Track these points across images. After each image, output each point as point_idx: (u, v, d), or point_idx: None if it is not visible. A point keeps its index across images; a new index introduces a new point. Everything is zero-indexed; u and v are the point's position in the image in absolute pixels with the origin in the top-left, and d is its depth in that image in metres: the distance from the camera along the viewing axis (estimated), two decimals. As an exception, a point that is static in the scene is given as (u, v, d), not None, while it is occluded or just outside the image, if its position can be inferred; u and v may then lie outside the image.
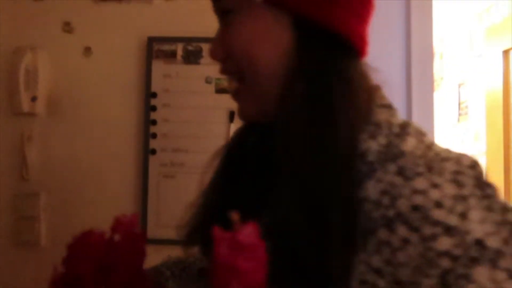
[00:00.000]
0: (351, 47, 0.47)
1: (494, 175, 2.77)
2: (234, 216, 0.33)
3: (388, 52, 1.35)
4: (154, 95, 1.35)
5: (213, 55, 0.51)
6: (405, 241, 0.39)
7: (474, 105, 3.20)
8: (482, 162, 2.94)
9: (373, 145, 0.44)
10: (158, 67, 1.36)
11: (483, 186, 0.39)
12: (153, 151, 1.34)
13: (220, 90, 1.37)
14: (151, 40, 1.36)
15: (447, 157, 0.41)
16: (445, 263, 0.37)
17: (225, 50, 0.49)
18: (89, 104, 1.37)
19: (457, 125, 3.45)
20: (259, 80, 0.48)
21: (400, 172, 0.41)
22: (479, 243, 0.36)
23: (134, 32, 1.37)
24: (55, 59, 1.38)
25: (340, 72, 0.46)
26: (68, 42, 1.38)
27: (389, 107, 0.48)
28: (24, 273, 1.30)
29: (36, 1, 1.39)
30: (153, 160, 1.34)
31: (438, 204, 0.38)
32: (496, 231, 0.37)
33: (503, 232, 0.37)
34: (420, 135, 0.45)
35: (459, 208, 0.37)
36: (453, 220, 0.37)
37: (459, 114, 3.44)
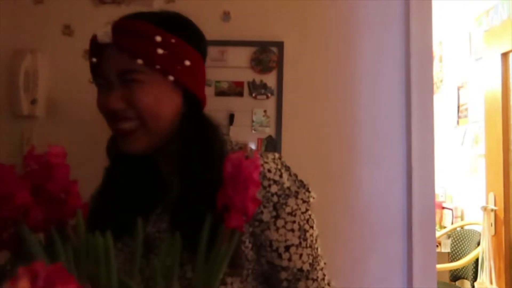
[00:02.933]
0: (202, 103, 0.82)
1: (494, 177, 2.77)
2: None
3: (387, 55, 1.35)
4: (153, 97, 1.36)
5: (114, 106, 0.71)
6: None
7: (473, 107, 3.20)
8: (482, 164, 2.93)
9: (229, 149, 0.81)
10: (158, 70, 1.36)
11: (285, 164, 0.78)
12: (153, 154, 1.35)
13: (219, 93, 1.37)
14: (151, 43, 1.36)
15: (267, 152, 0.79)
16: (275, 199, 0.73)
17: (127, 104, 0.71)
18: (89, 107, 1.37)
19: (457, 128, 3.45)
20: (158, 126, 0.73)
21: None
22: (288, 188, 0.74)
23: (134, 35, 1.36)
24: (55, 62, 1.38)
25: (201, 117, 0.81)
26: (68, 45, 1.39)
27: (227, 135, 0.76)
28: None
29: (36, 4, 1.40)
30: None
31: (269, 170, 0.74)
32: (293, 184, 0.76)
33: (296, 183, 0.76)
34: (245, 146, 0.82)
35: (278, 173, 0.74)
36: (276, 178, 0.74)
37: (459, 117, 3.44)
